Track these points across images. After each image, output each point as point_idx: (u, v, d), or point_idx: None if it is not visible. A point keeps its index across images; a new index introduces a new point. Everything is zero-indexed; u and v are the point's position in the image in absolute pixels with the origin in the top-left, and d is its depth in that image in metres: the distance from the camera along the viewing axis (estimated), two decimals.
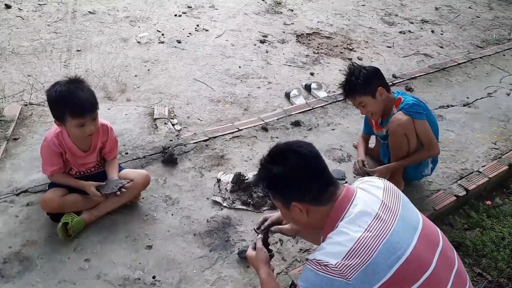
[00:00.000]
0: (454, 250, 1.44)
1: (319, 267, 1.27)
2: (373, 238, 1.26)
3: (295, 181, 1.39)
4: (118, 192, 2.19)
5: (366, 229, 1.28)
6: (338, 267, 1.23)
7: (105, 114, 3.09)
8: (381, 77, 2.45)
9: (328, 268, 1.24)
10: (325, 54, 4.55)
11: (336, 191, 1.41)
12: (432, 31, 5.37)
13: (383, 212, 1.33)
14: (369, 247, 1.24)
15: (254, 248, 1.68)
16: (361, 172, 2.54)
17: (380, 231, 1.28)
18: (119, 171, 2.40)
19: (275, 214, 1.81)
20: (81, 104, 2.02)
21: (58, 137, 2.16)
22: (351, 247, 1.25)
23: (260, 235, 1.73)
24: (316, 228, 1.46)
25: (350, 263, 1.23)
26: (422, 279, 1.25)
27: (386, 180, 1.53)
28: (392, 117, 2.40)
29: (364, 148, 2.77)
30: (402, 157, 2.46)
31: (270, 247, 1.76)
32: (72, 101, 2.00)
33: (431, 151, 2.44)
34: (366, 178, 1.55)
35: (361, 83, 2.37)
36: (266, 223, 1.79)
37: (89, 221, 2.25)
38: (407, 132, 2.36)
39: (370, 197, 1.40)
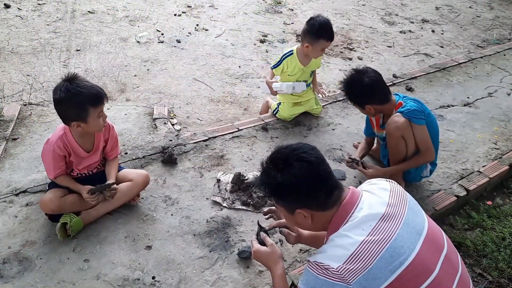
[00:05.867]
0: (458, 255, 1.42)
1: (319, 270, 1.25)
2: (376, 242, 1.24)
3: (301, 189, 1.35)
4: (108, 194, 2.24)
5: (369, 233, 1.26)
6: (339, 271, 1.22)
7: None
8: (377, 93, 2.40)
9: (329, 272, 1.23)
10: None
11: (341, 194, 1.38)
12: (433, 31, 5.36)
13: (388, 215, 1.31)
14: (371, 251, 1.22)
15: (261, 244, 1.66)
16: (350, 164, 2.61)
17: (383, 235, 1.26)
18: (119, 171, 2.40)
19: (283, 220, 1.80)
20: (97, 91, 2.09)
21: (62, 140, 2.15)
22: (353, 251, 1.23)
23: (262, 232, 1.72)
24: (320, 230, 1.45)
25: (351, 267, 1.21)
26: (424, 284, 1.24)
27: (393, 181, 1.51)
28: (389, 119, 2.39)
29: (361, 149, 2.77)
30: (400, 159, 2.45)
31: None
32: (89, 91, 2.05)
33: (427, 157, 2.44)
34: (374, 180, 1.52)
35: (354, 95, 2.47)
36: (274, 224, 1.79)
37: (88, 221, 2.24)
38: (405, 134, 2.34)
39: (376, 199, 1.38)
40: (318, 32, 2.94)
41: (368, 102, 2.41)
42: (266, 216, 1.87)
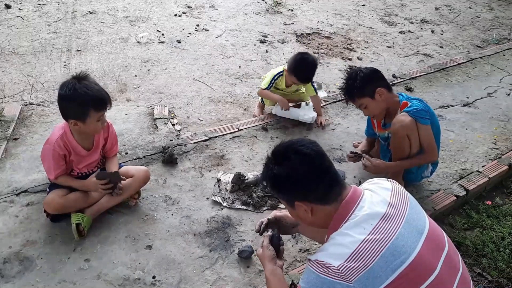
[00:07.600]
0: (459, 254, 1.42)
1: (321, 268, 1.25)
2: (377, 241, 1.24)
3: (297, 181, 1.37)
4: (118, 191, 2.24)
5: (370, 232, 1.26)
6: (340, 269, 1.22)
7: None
8: (380, 78, 2.44)
9: (330, 270, 1.23)
10: (325, 54, 4.55)
11: (342, 192, 1.39)
12: (432, 31, 5.37)
13: (389, 214, 1.32)
14: (372, 250, 1.23)
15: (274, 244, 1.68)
16: (353, 159, 2.65)
17: (385, 234, 1.26)
18: (119, 168, 2.40)
19: (273, 212, 1.83)
20: (103, 96, 2.10)
21: (63, 139, 2.17)
22: (354, 250, 1.23)
23: (268, 232, 1.72)
24: (321, 227, 1.45)
25: (352, 265, 1.21)
26: (425, 283, 1.24)
27: (394, 181, 1.51)
28: (395, 118, 2.39)
29: (363, 146, 2.78)
30: (403, 158, 2.45)
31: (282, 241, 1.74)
32: (95, 95, 2.06)
33: (431, 157, 2.45)
34: (375, 180, 1.52)
35: (359, 85, 2.41)
36: (264, 222, 1.80)
37: (93, 218, 2.26)
38: (410, 134, 2.35)
39: (377, 198, 1.38)
40: (294, 67, 3.08)
41: (378, 85, 2.39)
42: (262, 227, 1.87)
